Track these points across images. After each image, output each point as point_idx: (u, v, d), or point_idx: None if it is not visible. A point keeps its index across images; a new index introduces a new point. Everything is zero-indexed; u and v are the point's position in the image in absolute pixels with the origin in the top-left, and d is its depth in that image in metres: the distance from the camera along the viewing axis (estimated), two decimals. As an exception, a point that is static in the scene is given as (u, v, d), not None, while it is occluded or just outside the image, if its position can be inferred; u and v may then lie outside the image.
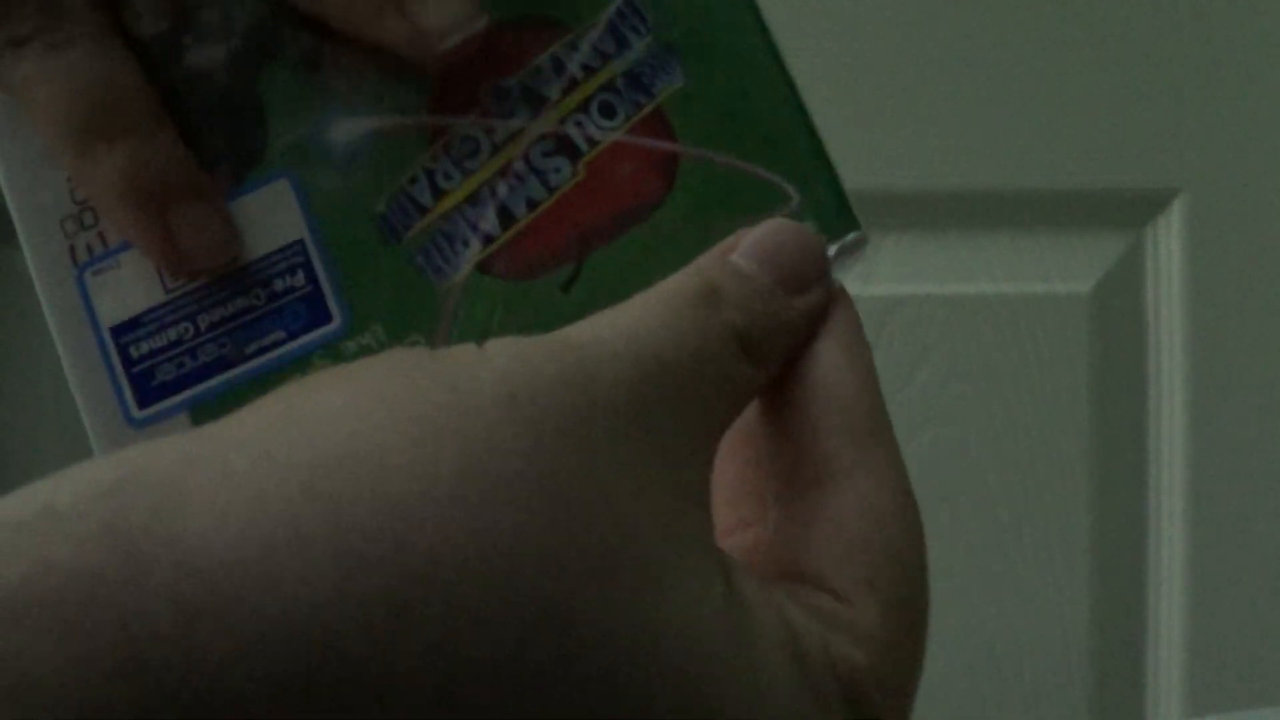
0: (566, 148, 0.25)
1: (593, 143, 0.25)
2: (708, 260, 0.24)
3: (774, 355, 0.24)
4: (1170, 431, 0.84)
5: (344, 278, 0.25)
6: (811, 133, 0.26)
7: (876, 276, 0.82)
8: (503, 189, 0.25)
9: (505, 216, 0.25)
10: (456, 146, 0.25)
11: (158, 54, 0.26)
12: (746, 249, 0.24)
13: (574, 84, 0.25)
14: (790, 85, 0.26)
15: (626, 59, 0.26)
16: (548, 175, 0.25)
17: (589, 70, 0.25)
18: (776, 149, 0.26)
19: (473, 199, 0.25)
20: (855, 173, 0.84)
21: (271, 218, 0.26)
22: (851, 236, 0.26)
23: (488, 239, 0.25)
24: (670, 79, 0.26)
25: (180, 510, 0.17)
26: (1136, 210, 0.84)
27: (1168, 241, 0.84)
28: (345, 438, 0.18)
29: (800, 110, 0.26)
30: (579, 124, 0.25)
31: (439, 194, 0.25)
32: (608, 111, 0.25)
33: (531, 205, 0.25)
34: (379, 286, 0.25)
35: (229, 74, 0.26)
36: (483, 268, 0.25)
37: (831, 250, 0.25)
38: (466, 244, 0.25)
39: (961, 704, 0.83)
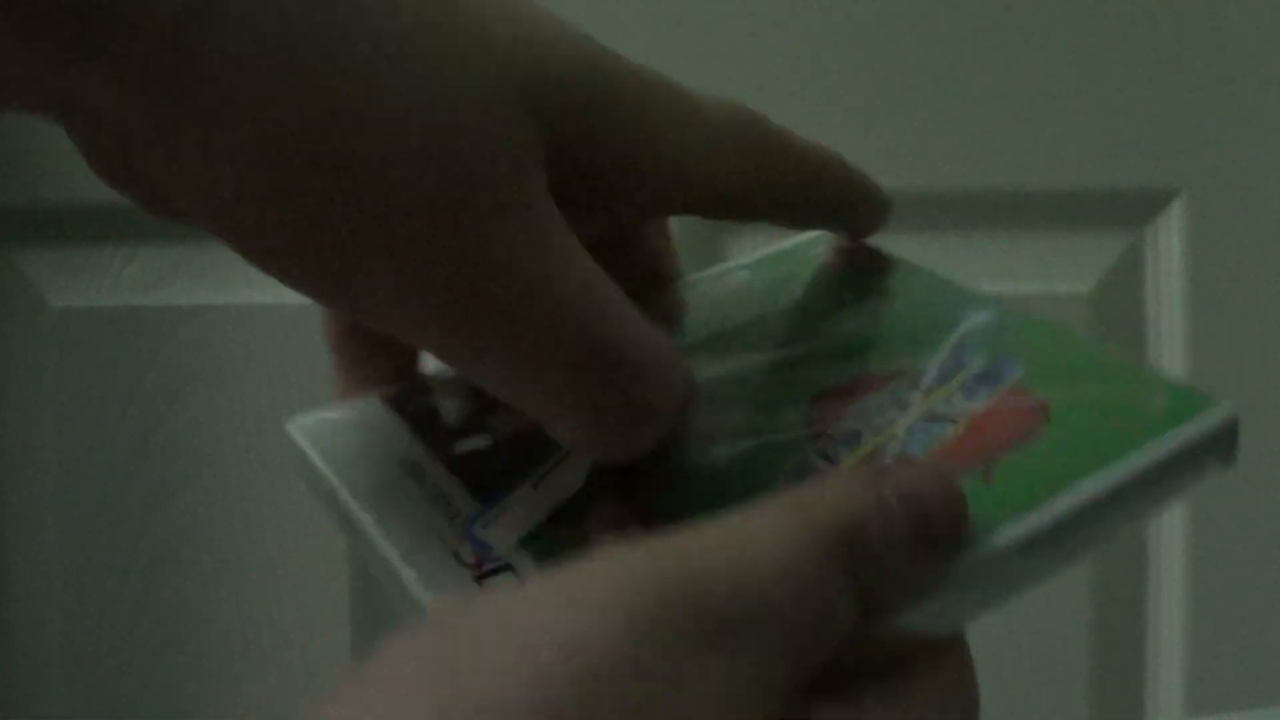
0: (942, 419, 0.28)
1: (965, 413, 0.28)
2: (858, 488, 0.24)
3: (884, 605, 0.24)
4: (1170, 431, 0.84)
5: None
6: (1130, 361, 0.29)
7: (876, 276, 0.82)
8: (896, 446, 0.27)
9: (907, 457, 0.27)
10: (839, 437, 0.28)
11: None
12: (898, 487, 0.24)
13: (930, 391, 0.29)
14: (1090, 341, 0.30)
15: (971, 370, 0.29)
16: (933, 433, 0.28)
17: (940, 381, 0.29)
18: (1127, 374, 0.28)
19: (873, 455, 0.27)
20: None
21: None
22: (1218, 412, 0.28)
23: None
24: (1016, 369, 0.29)
25: None
26: (1136, 210, 0.84)
27: (1168, 241, 0.84)
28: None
29: (1108, 350, 0.29)
30: (949, 405, 0.28)
31: (832, 462, 0.27)
32: (970, 394, 0.28)
33: (925, 449, 0.27)
34: None
35: None
36: None
37: (1194, 428, 0.27)
38: None
39: (961, 704, 0.83)
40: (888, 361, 0.30)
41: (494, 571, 0.27)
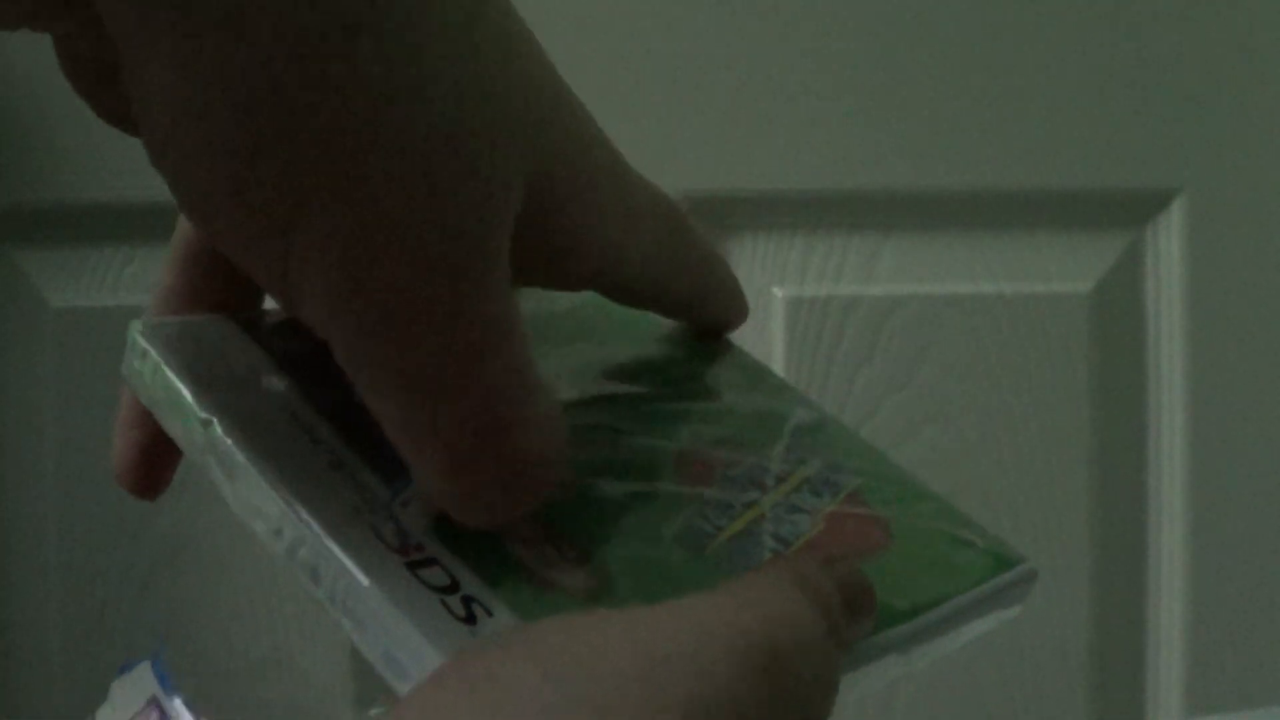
0: (800, 510, 0.31)
1: (817, 510, 0.31)
2: (802, 565, 0.27)
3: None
4: (1170, 431, 0.84)
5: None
6: (946, 501, 0.34)
7: (876, 276, 0.82)
8: (769, 526, 0.30)
9: (781, 541, 0.30)
10: (714, 506, 0.30)
11: None
12: (856, 591, 0.27)
13: (780, 480, 0.32)
14: (911, 478, 0.34)
15: (810, 468, 0.32)
16: (796, 523, 0.31)
17: (787, 472, 0.32)
18: (947, 514, 0.33)
19: (748, 530, 0.30)
20: (856, 173, 0.84)
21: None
22: (1026, 566, 0.32)
23: (784, 544, 0.30)
24: (850, 479, 0.33)
25: None
26: (1136, 210, 0.84)
27: (1168, 241, 0.84)
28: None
29: (929, 489, 0.34)
30: (801, 497, 0.31)
31: (719, 528, 0.30)
32: (816, 493, 0.32)
33: (795, 538, 0.30)
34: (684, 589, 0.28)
35: None
36: None
37: (1011, 576, 0.32)
38: (760, 549, 0.30)
39: (962, 703, 0.83)
40: (737, 434, 0.33)
41: (425, 563, 0.26)
